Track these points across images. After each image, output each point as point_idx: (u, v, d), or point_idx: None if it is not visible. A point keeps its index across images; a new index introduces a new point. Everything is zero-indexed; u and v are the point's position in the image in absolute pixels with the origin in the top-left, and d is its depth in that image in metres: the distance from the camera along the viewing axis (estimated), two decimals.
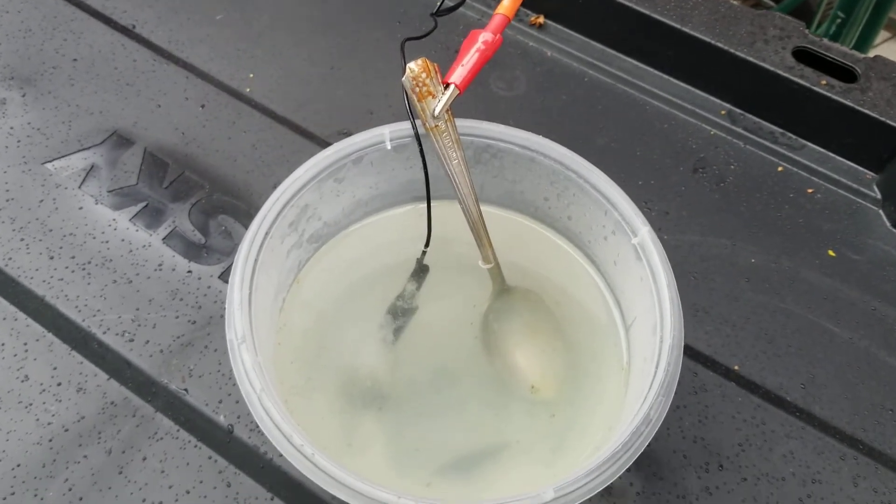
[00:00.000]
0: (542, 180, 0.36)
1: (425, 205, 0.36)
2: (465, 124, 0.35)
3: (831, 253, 0.46)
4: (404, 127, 0.35)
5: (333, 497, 0.36)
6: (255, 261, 0.31)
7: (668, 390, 0.29)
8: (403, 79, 0.32)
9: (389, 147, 0.35)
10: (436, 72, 0.33)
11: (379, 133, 0.35)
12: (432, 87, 0.33)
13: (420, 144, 0.34)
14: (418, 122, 0.34)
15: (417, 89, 0.33)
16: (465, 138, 0.35)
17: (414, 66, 0.32)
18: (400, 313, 0.37)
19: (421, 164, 0.35)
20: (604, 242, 0.35)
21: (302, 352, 0.35)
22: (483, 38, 0.34)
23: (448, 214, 0.37)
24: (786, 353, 0.42)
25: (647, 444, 0.28)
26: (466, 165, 0.34)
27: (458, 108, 0.34)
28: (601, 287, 0.37)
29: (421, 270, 0.38)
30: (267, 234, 0.32)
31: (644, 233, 0.32)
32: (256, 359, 0.29)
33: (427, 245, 0.38)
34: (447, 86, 0.33)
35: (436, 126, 0.33)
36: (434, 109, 0.33)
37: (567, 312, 0.37)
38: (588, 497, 0.27)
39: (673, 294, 0.31)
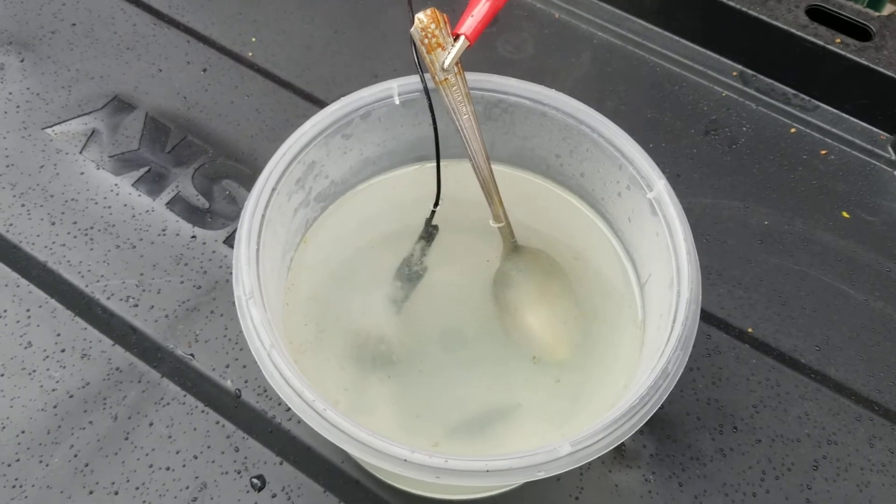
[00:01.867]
0: (553, 136, 0.35)
1: (434, 164, 0.35)
2: (475, 78, 0.34)
3: (845, 214, 0.45)
4: (413, 81, 0.34)
5: (343, 460, 0.36)
6: (262, 217, 0.30)
7: (686, 344, 0.28)
8: (412, 30, 0.31)
9: (398, 102, 0.34)
10: (445, 23, 0.32)
11: (387, 87, 0.34)
12: (441, 38, 0.32)
13: (429, 98, 0.34)
14: (427, 77, 0.33)
15: (426, 41, 0.32)
16: (476, 93, 0.34)
17: (423, 17, 0.31)
18: (409, 274, 0.36)
19: (430, 121, 0.34)
20: (618, 199, 0.35)
21: (310, 312, 0.34)
22: None
23: (458, 173, 0.36)
24: (800, 314, 0.41)
25: (664, 398, 0.28)
26: (477, 120, 0.33)
27: (465, 70, 0.33)
28: (615, 245, 0.36)
29: (430, 230, 0.37)
30: (274, 189, 0.31)
31: (660, 186, 0.32)
32: (265, 315, 0.28)
33: (436, 204, 0.37)
34: (457, 37, 0.32)
35: (445, 79, 0.32)
36: (444, 62, 0.32)
37: (580, 271, 0.36)
38: (604, 452, 0.27)
39: (690, 247, 0.30)
